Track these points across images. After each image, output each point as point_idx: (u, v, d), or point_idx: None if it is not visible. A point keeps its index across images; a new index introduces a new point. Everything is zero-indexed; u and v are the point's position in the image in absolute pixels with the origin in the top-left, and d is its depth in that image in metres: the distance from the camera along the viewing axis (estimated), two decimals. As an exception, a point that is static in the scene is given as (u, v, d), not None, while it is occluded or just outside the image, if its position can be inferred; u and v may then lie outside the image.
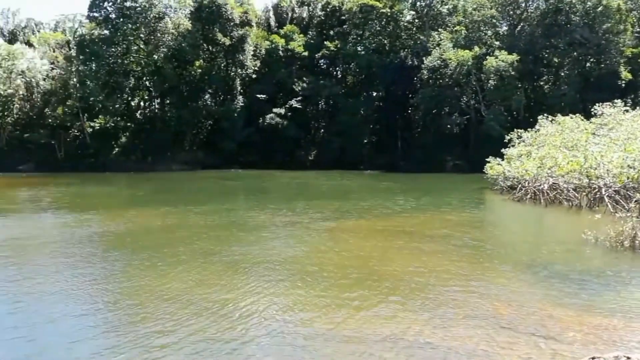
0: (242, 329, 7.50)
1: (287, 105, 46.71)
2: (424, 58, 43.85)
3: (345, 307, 8.37)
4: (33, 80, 44.01)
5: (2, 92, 43.30)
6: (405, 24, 49.63)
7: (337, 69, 53.24)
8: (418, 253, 12.25)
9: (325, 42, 49.41)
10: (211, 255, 12.13)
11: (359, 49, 49.36)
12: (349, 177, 36.22)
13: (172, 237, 14.62)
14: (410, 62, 46.76)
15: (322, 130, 48.52)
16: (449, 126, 42.54)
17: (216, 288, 9.44)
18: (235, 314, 8.09)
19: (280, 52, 49.21)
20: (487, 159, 26.22)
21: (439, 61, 42.24)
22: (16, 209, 21.49)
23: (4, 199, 24.26)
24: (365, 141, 47.02)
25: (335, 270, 10.68)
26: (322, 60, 51.88)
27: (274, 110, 46.16)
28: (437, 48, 43.56)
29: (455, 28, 45.73)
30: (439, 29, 46.58)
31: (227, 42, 45.43)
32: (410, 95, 45.01)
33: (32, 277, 10.60)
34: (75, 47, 44.86)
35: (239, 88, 47.00)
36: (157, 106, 49.00)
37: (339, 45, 48.96)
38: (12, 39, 53.81)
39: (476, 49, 41.82)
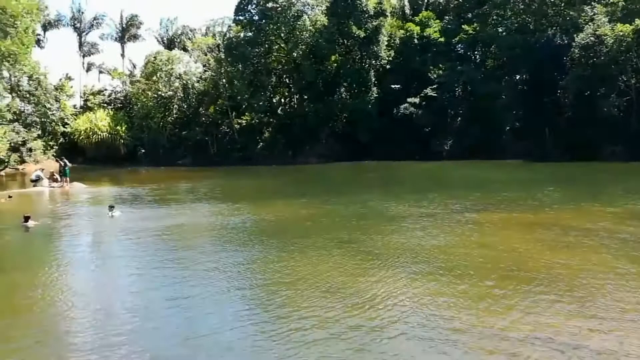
0: (389, 320, 7.64)
1: (421, 94, 45.81)
2: (574, 36, 40.00)
3: (491, 303, 8.09)
4: (189, 82, 48.73)
5: (163, 94, 48.61)
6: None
7: (476, 53, 50.86)
8: (573, 248, 11.35)
9: (462, 26, 47.49)
10: (353, 244, 12.48)
11: (499, 30, 46.57)
12: (489, 166, 34.53)
13: (316, 226, 15.31)
14: (558, 41, 42.92)
15: (459, 119, 46.74)
16: (605, 109, 38.29)
17: (361, 277, 9.71)
18: (381, 304, 8.26)
19: (415, 40, 48.38)
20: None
21: (592, 38, 38.22)
22: (177, 199, 24.08)
23: (167, 190, 27.26)
24: (508, 128, 44.36)
25: (480, 264, 10.35)
26: (459, 45, 49.94)
27: (408, 100, 45.57)
28: (590, 24, 39.45)
29: (611, 0, 40.97)
30: (592, 3, 42.10)
31: (362, 34, 45.83)
32: (558, 77, 41.39)
33: (193, 258, 11.86)
34: (224, 50, 48.74)
35: (373, 79, 47.20)
36: (296, 102, 51.27)
37: (477, 28, 46.74)
38: (170, 45, 60.05)
39: (637, 21, 37.03)
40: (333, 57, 47.57)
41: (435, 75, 46.36)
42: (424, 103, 45.40)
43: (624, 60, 37.91)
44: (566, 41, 41.89)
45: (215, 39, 53.08)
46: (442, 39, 47.70)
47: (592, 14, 40.70)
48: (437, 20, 49.59)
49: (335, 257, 11.26)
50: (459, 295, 8.49)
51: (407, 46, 48.59)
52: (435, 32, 48.15)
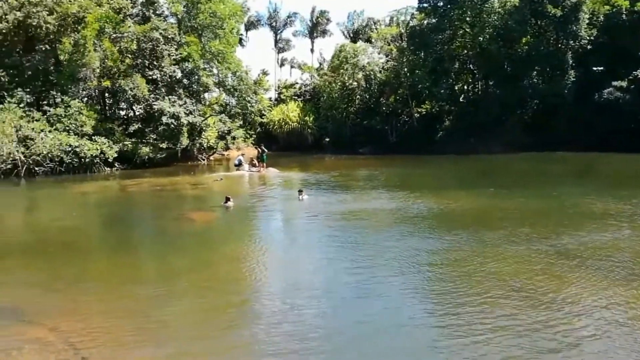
0: (581, 325, 6.95)
1: (630, 77, 39.86)
2: None
3: None
4: (372, 73, 49.79)
5: (348, 86, 50.50)
6: None
7: None
8: None
9: (689, -5, 40.02)
10: (545, 241, 11.57)
11: None
12: None
13: (503, 219, 14.55)
14: None
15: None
16: None
17: (554, 278, 8.98)
18: (576, 310, 7.55)
19: (624, 16, 42.19)
20: None
21: None
22: (359, 185, 24.92)
23: (348, 176, 28.38)
24: None
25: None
26: (684, 18, 42.13)
27: (613, 83, 40.06)
28: None
29: None
30: None
31: (559, 12, 41.58)
32: None
33: (375, 243, 12.17)
34: (406, 39, 48.65)
35: (570, 62, 42.55)
36: (480, 89, 48.92)
37: None
38: (355, 38, 61.98)
39: None
40: (524, 40, 44.10)
41: (649, 54, 39.94)
42: (632, 87, 39.52)
43: None
44: None
45: (398, 29, 53.24)
46: (658, 12, 40.83)
47: None
48: (654, -9, 42.52)
49: (524, 254, 10.56)
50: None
51: (613, 23, 42.66)
52: (650, 5, 41.41)
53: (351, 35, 63.68)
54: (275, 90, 61.12)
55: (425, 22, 47.71)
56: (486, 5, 43.84)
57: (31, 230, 16.12)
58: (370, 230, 13.95)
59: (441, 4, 46.01)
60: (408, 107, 48.91)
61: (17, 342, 7.07)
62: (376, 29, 58.81)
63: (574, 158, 33.84)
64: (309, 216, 16.33)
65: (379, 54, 51.12)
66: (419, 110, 49.29)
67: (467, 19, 45.52)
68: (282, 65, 69.16)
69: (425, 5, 47.09)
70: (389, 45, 50.97)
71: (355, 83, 50.63)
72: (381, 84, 50.19)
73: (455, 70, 47.65)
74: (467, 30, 46.18)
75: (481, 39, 44.76)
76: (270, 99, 57.29)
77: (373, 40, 53.28)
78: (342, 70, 50.27)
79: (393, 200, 18.51)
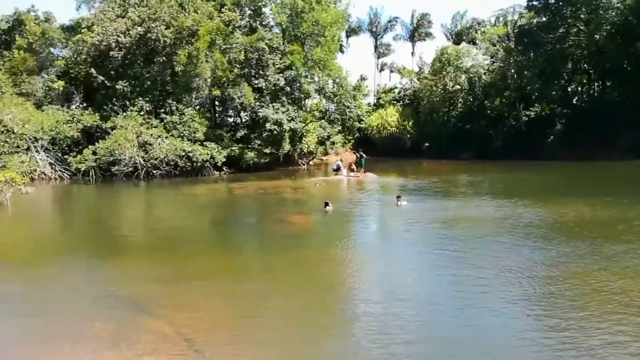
0: None
1: None
2: None
3: None
4: (476, 75, 48.04)
5: (449, 89, 49.18)
6: None
7: None
8: None
9: None
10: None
11: None
12: None
13: (622, 231, 13.32)
14: None
15: None
16: None
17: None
18: None
19: None
20: None
21: None
22: (459, 192, 24.19)
23: (448, 182, 27.58)
24: None
25: None
26: None
27: None
28: None
29: None
30: None
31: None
32: None
33: (479, 252, 11.70)
34: (514, 39, 46.34)
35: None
36: (596, 90, 45.26)
37: None
38: (458, 39, 60.22)
39: None
40: (647, 36, 40.14)
41: None
42: None
43: None
44: None
45: (505, 28, 50.87)
46: None
47: None
48: None
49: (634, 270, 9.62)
50: None
51: None
52: None
53: (454, 37, 62.02)
54: (374, 95, 61.12)
55: (535, 20, 45.16)
56: (603, 1, 40.53)
57: (149, 228, 17.53)
58: (475, 239, 13.41)
59: (552, 1, 43.29)
60: (515, 110, 46.47)
61: (137, 332, 7.71)
62: (481, 29, 56.69)
63: None
64: (408, 222, 16.10)
65: (483, 55, 49.19)
66: (528, 113, 46.64)
67: (582, 16, 42.44)
68: (381, 70, 69.09)
69: (535, 3, 44.56)
70: (495, 46, 48.85)
71: (457, 86, 49.18)
72: (486, 86, 48.26)
73: (567, 71, 44.55)
74: (582, 27, 43.02)
75: (597, 37, 41.49)
76: (369, 104, 57.41)
77: (477, 41, 51.39)
78: (443, 73, 49.07)
79: (500, 208, 17.66)
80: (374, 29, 66.96)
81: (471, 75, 48.27)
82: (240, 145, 36.01)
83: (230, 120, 41.83)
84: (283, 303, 8.85)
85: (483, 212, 17.35)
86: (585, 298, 8.38)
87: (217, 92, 36.06)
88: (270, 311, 8.42)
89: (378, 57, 68.76)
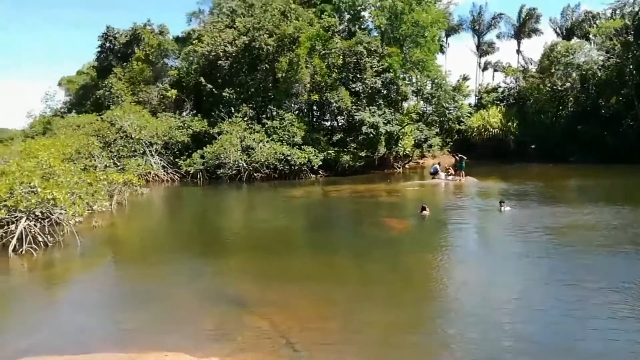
0: None
1: None
2: None
3: None
4: (589, 72, 44.59)
5: (559, 87, 46.11)
6: None
7: None
8: None
9: None
10: None
11: None
12: None
13: None
14: None
15: None
16: None
17: None
18: None
19: None
20: None
21: None
22: (569, 197, 22.66)
23: (556, 188, 25.89)
24: None
25: None
26: None
27: None
28: None
29: None
30: None
31: None
32: None
33: (588, 266, 10.91)
34: (633, 32, 42.34)
35: None
36: None
37: None
38: (569, 35, 56.22)
39: None
40: None
41: None
42: None
43: None
44: None
45: (623, 21, 46.61)
46: None
47: None
48: None
49: None
50: None
51: None
52: None
53: (564, 32, 58.01)
54: (476, 96, 58.95)
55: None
56: None
57: (250, 228, 18.38)
58: (588, 248, 12.50)
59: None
60: (633, 110, 42.48)
61: (239, 328, 8.15)
62: (595, 23, 52.47)
63: None
64: (512, 229, 15.38)
65: (598, 50, 45.50)
66: (649, 112, 42.39)
67: None
68: (484, 69, 66.42)
69: (659, -10, 40.48)
70: (611, 40, 44.96)
71: (568, 84, 46.00)
72: (600, 84, 44.64)
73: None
74: None
75: None
76: (469, 104, 55.51)
77: (591, 36, 47.61)
78: (552, 71, 46.11)
79: (617, 216, 16.28)
80: (477, 27, 64.57)
81: (584, 72, 44.90)
82: (336, 149, 36.51)
83: (327, 124, 42.53)
84: (378, 309, 8.86)
85: (597, 219, 16.08)
86: None
87: (315, 97, 36.85)
88: (364, 317, 8.49)
89: (480, 56, 66.20)
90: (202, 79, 36.36)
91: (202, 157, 33.29)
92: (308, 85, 35.93)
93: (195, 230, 18.24)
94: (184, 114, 38.75)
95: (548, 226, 15.35)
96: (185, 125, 35.88)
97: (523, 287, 9.91)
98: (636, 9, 45.66)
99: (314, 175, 34.53)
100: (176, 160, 34.55)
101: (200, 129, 35.24)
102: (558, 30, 59.51)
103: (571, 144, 43.16)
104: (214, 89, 36.01)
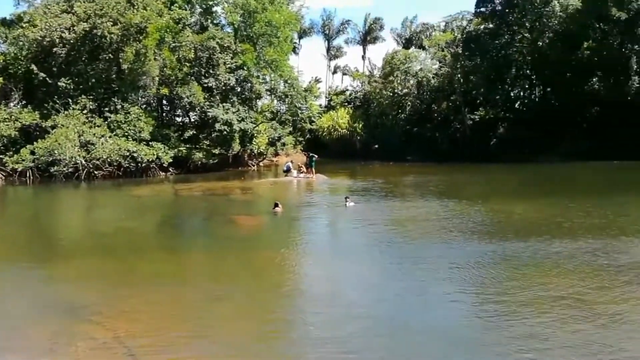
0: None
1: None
2: None
3: None
4: (424, 79, 49.22)
5: (398, 92, 50.15)
6: None
7: None
8: None
9: None
10: (611, 255, 11.03)
11: None
12: None
13: (555, 231, 13.89)
14: None
15: None
16: None
17: (600, 293, 8.56)
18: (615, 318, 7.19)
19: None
20: None
21: None
22: (406, 193, 24.69)
23: (395, 184, 28.10)
24: None
25: None
26: None
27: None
28: None
29: None
30: None
31: (624, 16, 39.67)
32: None
33: (423, 252, 11.98)
34: (462, 44, 47.70)
35: (635, 67, 40.46)
36: (537, 95, 47.31)
37: None
38: (407, 44, 61.41)
39: None
40: (586, 44, 42.30)
41: None
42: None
43: None
44: None
45: (453, 34, 52.27)
46: None
47: None
48: None
49: (569, 269, 10.11)
50: None
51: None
52: None
53: (404, 41, 63.17)
54: (326, 97, 61.46)
55: (482, 27, 46.72)
56: (547, 9, 42.46)
57: (87, 231, 16.91)
58: (421, 239, 13.70)
59: (499, 8, 44.97)
60: (460, 114, 47.91)
61: (73, 338, 7.40)
62: (430, 34, 58.04)
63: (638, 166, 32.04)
64: (355, 223, 16.30)
65: (432, 60, 50.43)
66: (472, 117, 48.18)
67: (526, 23, 44.29)
68: (334, 72, 69.55)
69: (482, 9, 46.18)
70: (443, 51, 50.11)
71: (406, 90, 50.19)
72: (433, 90, 49.52)
73: (511, 76, 46.37)
74: (526, 34, 44.89)
75: (540, 43, 43.41)
76: (320, 105, 57.75)
77: (427, 46, 52.54)
78: (393, 77, 49.94)
79: (445, 209, 18.11)
80: (327, 31, 67.36)
81: (420, 80, 49.37)
82: (188, 146, 35.32)
83: (179, 119, 40.99)
84: (224, 308, 8.69)
85: (429, 212, 17.73)
86: (534, 299, 8.71)
87: (165, 91, 35.25)
88: (210, 317, 8.27)
89: (330, 59, 69.22)
90: (33, 66, 32.47)
91: (32, 153, 29.71)
92: (157, 79, 34.16)
93: (22, 234, 16.24)
94: (11, 105, 34.27)
95: (387, 219, 16.57)
96: (13, 117, 31.73)
97: (367, 273, 10.54)
98: (464, 24, 51.48)
99: (163, 173, 32.99)
100: (1, 156, 30.46)
101: (31, 122, 31.41)
102: (398, 39, 64.59)
103: (409, 145, 47.18)
104: (47, 78, 32.40)
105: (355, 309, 8.37)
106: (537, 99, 47.21)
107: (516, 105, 47.93)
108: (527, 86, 48.77)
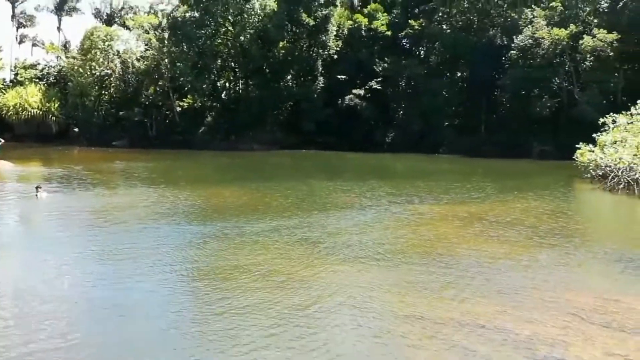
0: (315, 299, 7.81)
1: (366, 87, 46.29)
2: (514, 37, 41.63)
3: (413, 289, 8.45)
4: (128, 60, 46.89)
5: (100, 72, 46.57)
6: (497, 0, 47.18)
7: (421, 48, 51.60)
8: (495, 241, 11.95)
9: (409, 21, 48.17)
10: (289, 233, 12.57)
11: (444, 27, 47.73)
12: (428, 160, 35.58)
13: (253, 212, 15.23)
14: (498, 42, 44.52)
15: (401, 112, 47.57)
16: (537, 109, 40.12)
17: (290, 262, 9.85)
18: (311, 287, 8.44)
19: (363, 32, 48.66)
20: (577, 145, 24.70)
21: (530, 40, 39.92)
22: (110, 180, 23.36)
23: (99, 171, 26.27)
24: (447, 124, 45.60)
25: (404, 254, 10.75)
26: (405, 40, 50.50)
27: (353, 91, 45.91)
28: (529, 26, 41.15)
29: (551, 4, 42.90)
30: (533, 6, 43.99)
31: (311, 22, 45.63)
32: (496, 77, 43.05)
33: (119, 239, 11.57)
34: (167, 29, 47.08)
35: (320, 69, 47.21)
36: (241, 87, 50.46)
37: (423, 24, 47.57)
38: (109, 21, 57.34)
39: (572, 27, 39.10)
40: (281, 44, 47.10)
41: (380, 68, 46.89)
42: (368, 95, 45.90)
43: (558, 63, 39.93)
44: (506, 42, 43.58)
45: (158, 18, 51.04)
46: (388, 33, 48.22)
47: (531, 16, 42.44)
48: (385, 14, 50.08)
49: (267, 245, 11.34)
50: (387, 281, 8.80)
51: (354, 37, 48.83)
52: (382, 25, 48.59)
53: (104, 17, 58.70)
54: (11, 70, 52.78)
55: (188, 14, 46.97)
56: (247, 5, 45.38)
57: None
58: (123, 226, 13.17)
59: (204, -2, 45.97)
60: (169, 100, 47.58)
61: None
62: (134, 14, 55.39)
63: (321, 155, 37.78)
64: (50, 214, 14.61)
65: (137, 41, 48.37)
66: (181, 104, 48.42)
67: (230, 17, 46.47)
68: (21, 42, 60.02)
69: (187, -3, 46.39)
70: (148, 33, 48.48)
71: (109, 70, 47.03)
72: (140, 73, 47.69)
73: (217, 67, 48.19)
74: (230, 28, 47.17)
75: (242, 38, 46.25)
76: (4, 80, 49.38)
77: (130, 26, 49.99)
78: (92, 55, 46.04)
79: (152, 195, 17.87)
80: (11, -7, 57.43)
81: (123, 60, 46.90)
82: None
83: None
84: None
85: (133, 199, 17.25)
86: (223, 273, 9.31)
87: None
88: None
89: (17, 28, 59.40)
90: None
91: None
92: None
93: None
94: None
95: (87, 208, 15.48)
96: None
97: (62, 264, 9.68)
98: (169, 9, 50.82)
99: None
100: None
101: None
102: (99, 14, 59.64)
103: (116, 129, 44.55)
104: None
105: (44, 307, 7.55)
106: (240, 91, 50.29)
107: (223, 95, 50.14)
108: (232, 78, 51.46)
